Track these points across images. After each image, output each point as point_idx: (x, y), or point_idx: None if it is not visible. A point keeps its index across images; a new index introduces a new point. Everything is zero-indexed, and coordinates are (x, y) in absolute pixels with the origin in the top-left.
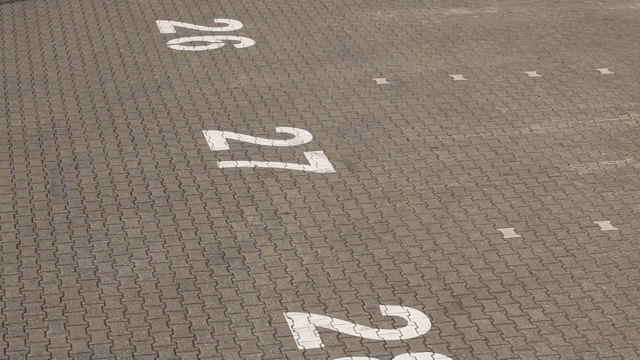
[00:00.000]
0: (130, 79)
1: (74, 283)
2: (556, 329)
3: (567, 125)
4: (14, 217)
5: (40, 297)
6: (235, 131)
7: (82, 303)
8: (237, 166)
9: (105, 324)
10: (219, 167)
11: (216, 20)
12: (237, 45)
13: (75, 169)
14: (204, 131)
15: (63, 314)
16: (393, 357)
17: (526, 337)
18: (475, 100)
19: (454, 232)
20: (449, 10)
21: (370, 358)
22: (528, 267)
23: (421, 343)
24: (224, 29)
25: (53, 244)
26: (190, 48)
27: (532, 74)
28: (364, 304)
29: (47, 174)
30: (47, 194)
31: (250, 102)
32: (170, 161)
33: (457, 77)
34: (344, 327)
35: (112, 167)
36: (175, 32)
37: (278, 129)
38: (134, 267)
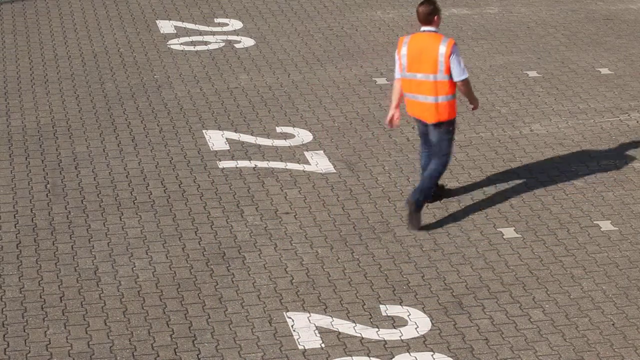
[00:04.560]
0: (130, 79)
1: (74, 283)
2: (556, 328)
3: (567, 125)
4: (14, 217)
5: (40, 297)
6: (236, 131)
7: (82, 303)
8: (237, 166)
9: (106, 323)
10: (219, 167)
11: (216, 20)
12: (237, 45)
13: (75, 169)
14: (204, 131)
15: (63, 314)
16: (393, 357)
17: (526, 337)
18: None
19: (454, 232)
20: (449, 10)
21: (371, 358)
22: (528, 267)
23: (421, 343)
24: (224, 28)
25: (53, 244)
26: (191, 48)
27: (532, 73)
28: (364, 304)
29: (47, 173)
30: (47, 194)
31: (250, 102)
32: (170, 161)
33: None
34: (344, 327)
35: (112, 167)
36: (175, 32)
37: (278, 129)
38: (134, 267)
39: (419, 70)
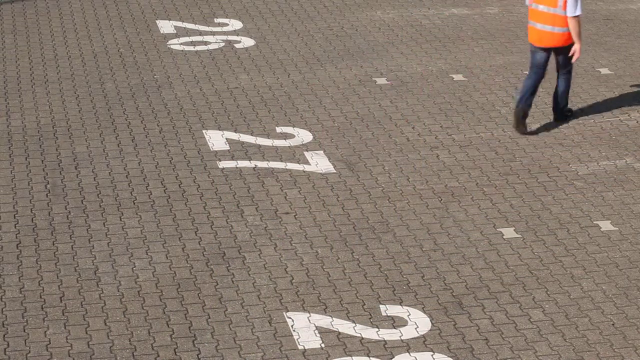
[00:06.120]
0: (130, 79)
1: (74, 283)
2: (556, 328)
3: (567, 125)
4: (14, 217)
5: (40, 297)
6: (236, 131)
7: (82, 303)
8: (237, 166)
9: (105, 324)
10: (219, 167)
11: (216, 20)
12: (237, 45)
13: (75, 169)
14: (204, 131)
15: (63, 314)
16: (393, 357)
17: (526, 337)
18: (475, 100)
19: (454, 232)
20: (449, 10)
21: (370, 358)
22: (528, 267)
23: (421, 343)
24: (224, 28)
25: (53, 244)
26: (191, 48)
27: None
28: (364, 304)
29: (47, 173)
30: (47, 194)
31: (250, 102)
32: (170, 161)
33: (457, 77)
34: (344, 327)
35: (112, 167)
36: (175, 32)
37: (278, 129)
38: (134, 267)
39: (542, 2)
